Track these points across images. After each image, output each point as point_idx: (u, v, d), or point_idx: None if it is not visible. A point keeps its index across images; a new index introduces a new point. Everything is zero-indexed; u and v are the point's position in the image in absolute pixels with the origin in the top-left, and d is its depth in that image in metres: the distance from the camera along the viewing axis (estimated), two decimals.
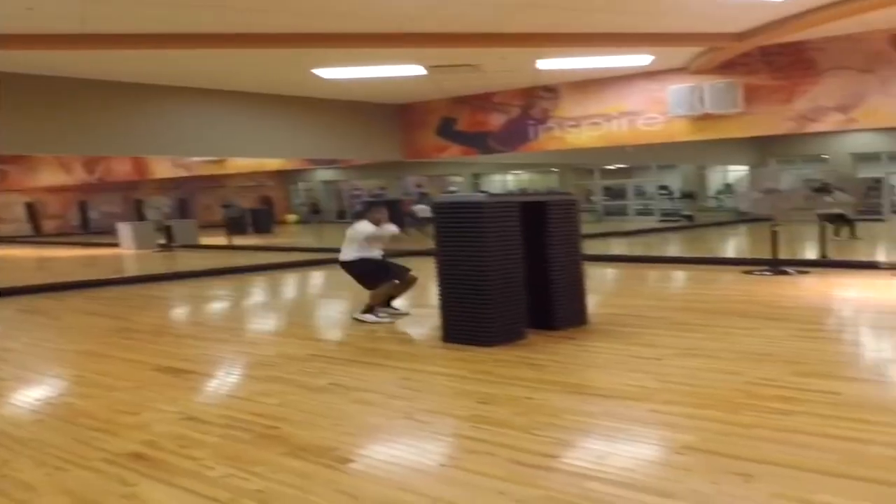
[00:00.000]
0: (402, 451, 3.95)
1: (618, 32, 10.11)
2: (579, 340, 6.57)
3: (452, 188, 34.22)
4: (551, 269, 6.98)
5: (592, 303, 7.61)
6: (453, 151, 15.61)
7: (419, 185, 35.99)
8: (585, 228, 16.67)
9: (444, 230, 6.68)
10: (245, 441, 4.10)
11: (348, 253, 7.80)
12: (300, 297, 11.05)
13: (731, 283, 10.31)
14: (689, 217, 27.05)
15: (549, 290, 7.00)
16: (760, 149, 27.23)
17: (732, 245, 17.88)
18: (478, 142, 15.12)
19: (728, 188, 30.31)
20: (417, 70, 12.00)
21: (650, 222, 26.84)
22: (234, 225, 25.54)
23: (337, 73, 12.11)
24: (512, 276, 6.53)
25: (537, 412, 4.52)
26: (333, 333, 7.89)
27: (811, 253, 12.54)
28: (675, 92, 12.18)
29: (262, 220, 28.43)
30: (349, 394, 5.08)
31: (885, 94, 10.68)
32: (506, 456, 3.75)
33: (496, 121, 14.74)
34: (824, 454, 3.63)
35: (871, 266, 10.92)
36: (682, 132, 12.65)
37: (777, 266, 10.97)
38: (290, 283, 12.37)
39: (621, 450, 3.83)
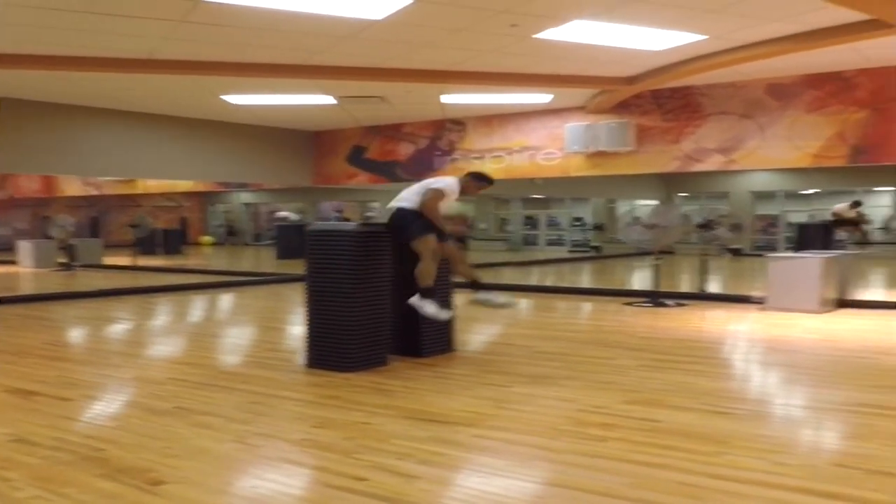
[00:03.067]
0: (218, 473, 4.03)
1: (517, 73, 10.48)
2: (439, 367, 6.74)
3: (370, 213, 34.36)
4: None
5: (467, 331, 7.80)
6: (362, 179, 15.77)
7: (339, 210, 36.02)
8: (495, 257, 16.84)
9: (314, 256, 6.80)
10: (65, 462, 4.12)
11: None
12: (183, 321, 10.96)
13: (609, 314, 10.68)
14: (597, 248, 27.76)
15: (416, 319, 7.15)
16: (667, 185, 28.18)
17: (625, 276, 18.39)
18: (386, 170, 15.32)
19: (635, 221, 31.16)
20: (327, 100, 12.18)
21: (561, 252, 27.46)
22: (144, 245, 25.11)
23: (246, 99, 12.24)
24: (377, 304, 6.68)
25: (367, 437, 4.65)
26: (201, 357, 7.89)
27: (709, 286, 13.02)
28: (571, 129, 12.59)
29: (172, 240, 28.02)
30: (190, 417, 5.12)
31: (761, 139, 11.26)
32: (317, 478, 3.89)
33: (405, 150, 14.98)
34: (617, 478, 3.84)
35: (744, 300, 11.40)
36: (577, 167, 13.05)
37: (657, 298, 11.40)
38: (182, 306, 12.26)
39: (427, 473, 3.98)
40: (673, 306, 11.21)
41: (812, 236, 17.30)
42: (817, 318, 9.80)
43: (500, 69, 10.18)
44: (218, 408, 5.42)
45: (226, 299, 13.22)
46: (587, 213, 30.84)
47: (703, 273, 12.77)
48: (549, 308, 11.90)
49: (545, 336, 8.89)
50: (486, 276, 8.47)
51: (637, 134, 12.16)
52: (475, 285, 6.83)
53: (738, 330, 9.16)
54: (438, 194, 6.52)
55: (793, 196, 27.42)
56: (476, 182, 6.91)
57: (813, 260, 10.42)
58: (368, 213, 34.38)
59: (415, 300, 6.46)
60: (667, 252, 22.60)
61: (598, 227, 29.41)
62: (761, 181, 26.23)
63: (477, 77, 10.40)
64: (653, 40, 8.61)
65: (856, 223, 19.29)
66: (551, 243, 30.93)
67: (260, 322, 10.70)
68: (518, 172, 13.69)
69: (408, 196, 6.64)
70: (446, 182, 6.70)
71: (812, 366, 7.06)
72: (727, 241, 15.09)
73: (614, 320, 10.16)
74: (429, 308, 6.45)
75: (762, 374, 6.92)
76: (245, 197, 35.93)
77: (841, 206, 19.62)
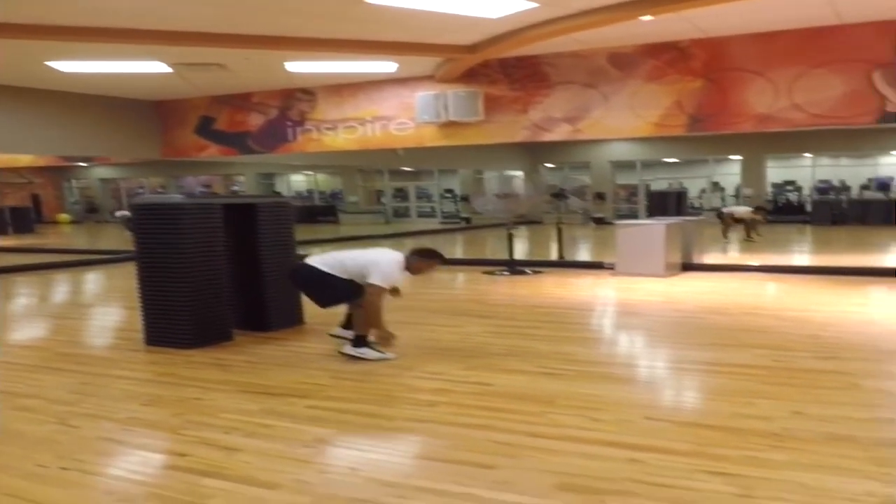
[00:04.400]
0: (30, 456, 3.84)
1: (355, 40, 10.29)
2: (284, 341, 6.66)
3: (236, 187, 33.57)
4: (262, 272, 7.01)
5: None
6: (213, 151, 15.27)
7: (206, 185, 35.03)
8: (369, 230, 16.44)
9: (143, 232, 6.54)
10: None
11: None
12: (27, 303, 10.35)
13: (467, 283, 10.82)
14: (467, 219, 28.05)
15: (261, 293, 7.03)
16: (533, 155, 28.79)
17: (490, 246, 18.67)
18: (237, 142, 14.88)
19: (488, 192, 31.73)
20: (160, 67, 11.65)
21: (432, 224, 27.61)
22: None
23: (73, 66, 11.56)
24: (213, 279, 6.50)
25: (196, 412, 4.54)
26: (40, 339, 7.53)
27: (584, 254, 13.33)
28: (421, 99, 12.55)
29: (22, 219, 26.48)
30: (13, 400, 4.93)
31: (606, 108, 11.55)
32: (136, 457, 3.77)
33: (255, 121, 14.58)
34: (439, 441, 3.91)
35: (598, 266, 11.76)
36: (430, 138, 13.05)
37: (514, 266, 11.61)
38: (29, 287, 11.57)
39: (252, 445, 3.91)
40: (530, 274, 11.46)
41: (665, 204, 17.92)
42: (662, 281, 10.24)
43: (338, 35, 9.98)
44: (44, 390, 5.18)
45: (79, 278, 12.57)
46: (456, 184, 31.08)
47: (560, 241, 13.11)
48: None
49: (397, 307, 8.86)
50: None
51: (486, 104, 12.24)
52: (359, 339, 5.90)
53: (583, 295, 9.44)
54: (382, 291, 5.77)
55: (653, 165, 28.49)
56: (426, 261, 6.02)
57: (657, 227, 10.85)
58: (234, 188, 33.58)
59: (349, 350, 5.86)
60: (523, 222, 23.24)
61: (467, 199, 29.72)
62: (621, 151, 27.15)
63: (314, 44, 10.14)
64: (488, 7, 8.64)
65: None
66: (422, 215, 31.08)
67: (113, 302, 10.26)
68: (372, 143, 13.57)
69: (335, 264, 5.86)
70: (386, 272, 5.74)
71: (648, 326, 7.36)
72: (590, 210, 15.53)
73: (469, 289, 10.31)
74: (370, 355, 5.82)
75: (599, 337, 7.16)
76: (102, 172, 34.31)
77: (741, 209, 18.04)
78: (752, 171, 26.10)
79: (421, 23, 9.31)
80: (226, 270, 6.67)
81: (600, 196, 26.83)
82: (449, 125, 12.60)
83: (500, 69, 12.12)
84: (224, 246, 6.65)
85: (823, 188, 26.30)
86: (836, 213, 23.52)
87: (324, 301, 6.04)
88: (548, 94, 11.92)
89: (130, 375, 5.64)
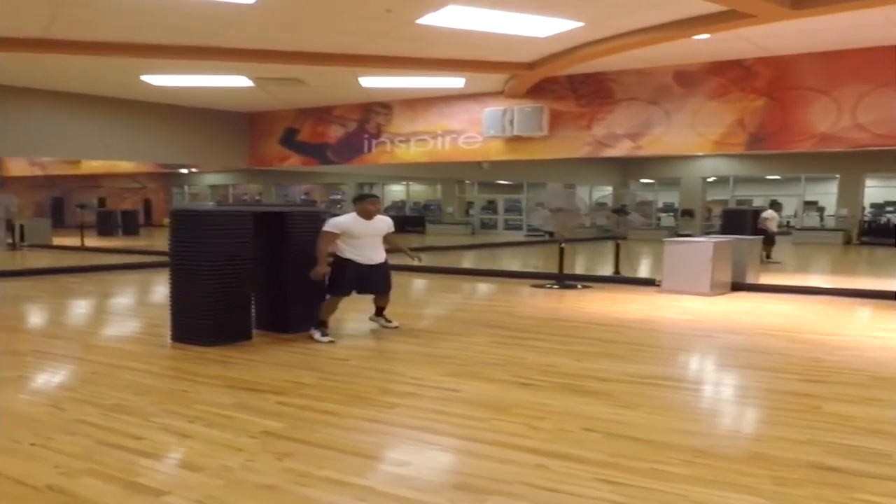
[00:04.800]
0: (11, 431, 4.26)
1: (419, 57, 10.70)
2: (297, 343, 6.97)
3: (337, 195, 34.61)
4: (287, 277, 7.39)
5: (355, 310, 8.05)
6: (294, 161, 15.96)
7: (307, 193, 36.27)
8: (450, 241, 16.89)
9: (176, 235, 7.03)
10: None
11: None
12: (94, 299, 11.10)
13: (508, 295, 10.99)
14: (551, 233, 28.03)
15: (284, 296, 7.42)
16: (625, 170, 28.53)
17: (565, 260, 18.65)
18: (317, 153, 15.51)
19: (598, 206, 31.50)
20: (244, 81, 12.37)
21: (517, 236, 27.75)
22: (103, 226, 25.58)
23: (164, 79, 12.41)
24: (237, 282, 6.91)
25: (175, 402, 4.92)
26: (80, 332, 8.18)
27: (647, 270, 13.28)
28: (488, 114, 12.81)
29: (130, 222, 28.29)
30: (27, 384, 5.49)
31: (667, 125, 11.50)
32: (98, 436, 4.15)
33: (335, 133, 15.18)
34: (369, 438, 4.18)
35: (650, 283, 11.67)
36: (496, 152, 13.29)
37: (563, 280, 11.69)
38: (103, 286, 12.41)
39: (205, 433, 4.25)
40: (579, 288, 11.51)
41: (741, 222, 17.45)
42: (705, 300, 10.12)
43: (399, 53, 10.38)
44: (56, 377, 5.68)
45: (152, 279, 13.42)
46: (544, 197, 31.08)
47: (616, 256, 13.09)
48: (456, 289, 12.19)
49: (427, 315, 9.20)
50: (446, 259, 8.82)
51: (551, 119, 12.39)
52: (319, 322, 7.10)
53: (614, 310, 9.43)
54: (328, 236, 7.02)
55: (749, 181, 27.76)
56: (361, 204, 7.23)
57: (705, 244, 10.72)
58: (335, 196, 34.63)
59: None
60: (608, 237, 22.95)
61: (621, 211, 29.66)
62: (713, 167, 26.60)
63: (378, 61, 10.61)
64: (534, 27, 8.83)
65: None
66: (511, 227, 31.22)
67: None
68: (441, 156, 13.91)
69: None
70: (332, 220, 7.19)
71: (652, 343, 7.34)
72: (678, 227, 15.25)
73: (506, 301, 10.46)
74: (316, 336, 7.04)
75: (595, 351, 6.98)
76: (212, 178, 36.03)
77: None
78: (849, 190, 25.08)
79: (475, 41, 9.59)
80: (253, 274, 7.07)
81: (688, 213, 26.32)
82: (514, 139, 12.82)
83: (567, 85, 12.26)
84: (253, 251, 7.07)
85: None
86: None
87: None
88: (612, 110, 11.97)
89: (141, 368, 6.03)
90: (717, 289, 10.59)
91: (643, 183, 29.75)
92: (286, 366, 6.10)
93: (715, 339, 7.56)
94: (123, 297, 11.33)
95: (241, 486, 3.47)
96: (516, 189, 31.58)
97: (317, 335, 6.98)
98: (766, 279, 11.90)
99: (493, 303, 10.53)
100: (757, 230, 15.92)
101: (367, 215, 7.12)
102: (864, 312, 9.27)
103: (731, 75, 10.96)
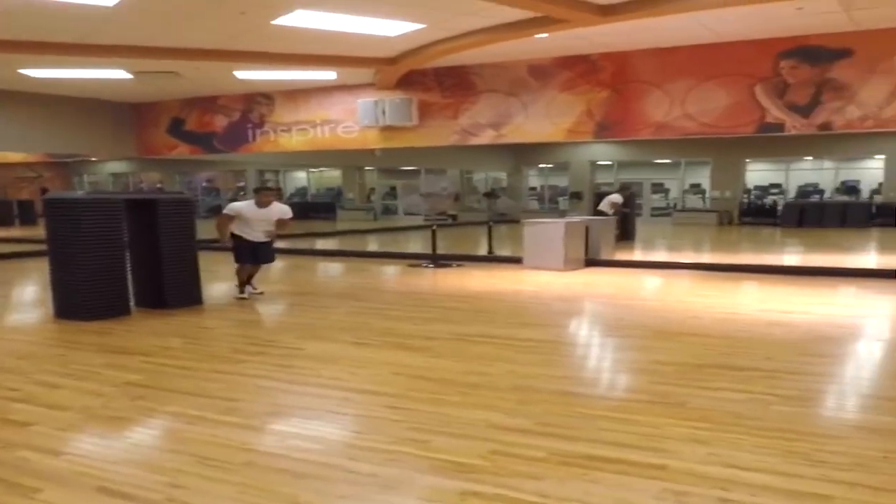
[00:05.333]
0: None
1: (284, 53, 11.46)
2: (173, 316, 7.81)
3: (241, 183, 34.89)
4: (162, 257, 8.15)
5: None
6: (182, 150, 16.51)
7: (209, 180, 36.41)
8: (354, 226, 17.38)
9: (51, 221, 7.70)
10: None
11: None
12: None
13: (385, 274, 11.94)
14: (454, 217, 29.07)
15: (160, 276, 8.18)
16: (517, 156, 29.76)
17: (456, 241, 19.62)
18: (204, 142, 16.10)
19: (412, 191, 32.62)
20: (123, 74, 12.88)
21: (418, 220, 28.62)
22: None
23: (45, 73, 12.82)
24: (112, 263, 7.64)
25: (51, 363, 5.75)
26: None
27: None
28: (362, 105, 13.66)
29: (28, 211, 28.17)
30: None
31: (525, 115, 12.58)
32: None
33: (220, 123, 15.78)
34: (203, 383, 5.10)
35: (518, 260, 12.65)
36: (372, 140, 14.17)
37: (438, 260, 12.66)
38: (2, 273, 12.77)
39: (73, 385, 5.08)
40: (453, 267, 12.49)
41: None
42: (557, 274, 11.22)
43: (265, 49, 11.16)
44: None
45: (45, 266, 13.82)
46: (445, 183, 32.05)
47: (489, 237, 14.15)
48: (336, 270, 13.08)
49: (301, 291, 10.08)
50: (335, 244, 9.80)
51: (420, 109, 13.32)
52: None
53: (474, 284, 10.46)
54: (223, 217, 8.82)
55: (635, 165, 29.30)
56: (257, 195, 8.85)
57: (557, 225, 11.83)
58: (240, 184, 34.90)
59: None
60: (504, 221, 24.24)
61: (457, 197, 30.68)
62: (600, 152, 28.04)
63: (245, 56, 11.37)
64: (383, 28, 9.73)
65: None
66: (410, 213, 32.10)
67: None
68: (322, 144, 14.71)
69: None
70: (231, 205, 8.95)
71: (489, 309, 8.36)
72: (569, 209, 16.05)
73: (379, 279, 11.43)
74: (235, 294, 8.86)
75: (434, 316, 7.94)
76: (114, 167, 35.79)
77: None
78: (727, 174, 26.87)
79: (335, 38, 10.42)
80: (127, 256, 7.83)
81: (577, 195, 27.75)
82: (388, 129, 13.71)
83: (433, 78, 13.20)
84: (126, 234, 7.82)
85: (807, 192, 26.89)
86: (803, 215, 24.13)
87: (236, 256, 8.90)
88: (475, 101, 12.98)
89: (23, 339, 6.81)
90: (570, 264, 11.70)
91: (541, 168, 31.04)
92: (157, 334, 6.90)
93: (545, 305, 8.66)
94: (15, 283, 11.79)
95: (97, 418, 4.34)
96: (416, 175, 32.46)
97: (236, 293, 8.86)
98: (621, 256, 13.09)
99: (366, 280, 11.44)
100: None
101: (261, 204, 8.66)
102: (692, 282, 10.47)
103: (578, 69, 12.08)
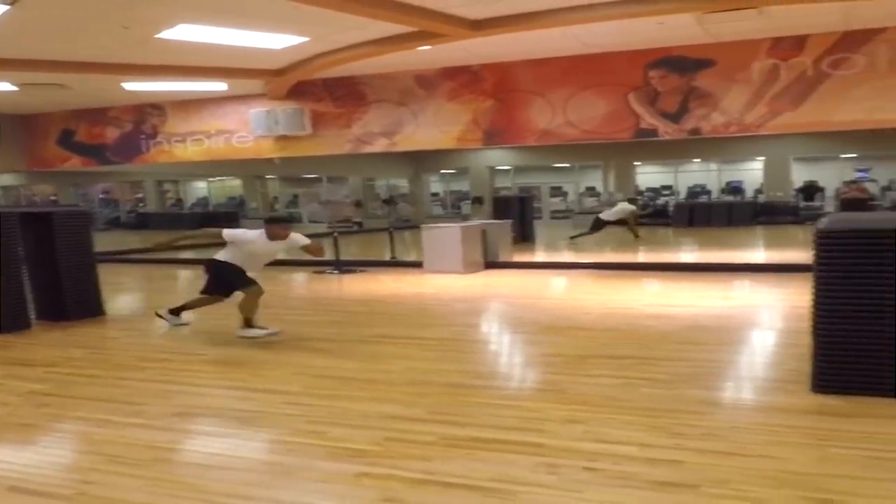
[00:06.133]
0: None
1: (179, 65, 11.51)
2: (75, 328, 7.88)
3: (139, 195, 34.18)
4: (59, 271, 8.16)
5: (138, 299, 8.93)
6: (75, 162, 16.20)
7: (106, 192, 35.52)
8: None
9: None
10: None
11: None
12: None
13: (290, 281, 12.15)
14: (359, 223, 29.25)
15: (59, 289, 8.20)
16: (417, 163, 30.20)
17: (359, 248, 19.86)
18: (96, 153, 15.85)
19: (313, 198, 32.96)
20: (7, 86, 12.63)
21: (322, 228, 28.68)
22: None
23: None
24: (9, 276, 7.63)
25: None
26: None
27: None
28: (255, 115, 13.77)
29: None
30: None
31: (416, 124, 12.96)
32: None
33: (111, 134, 15.57)
34: (107, 390, 5.22)
35: (420, 265, 12.90)
36: (267, 150, 14.30)
37: (342, 266, 12.91)
38: None
39: None
40: (356, 272, 12.74)
41: (508, 208, 18.86)
42: (457, 277, 11.63)
43: (152, 62, 11.16)
44: None
45: None
46: (349, 191, 32.22)
47: (391, 243, 14.46)
48: None
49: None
50: None
51: (313, 119, 13.54)
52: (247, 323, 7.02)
53: (374, 289, 10.79)
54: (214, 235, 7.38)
55: (535, 170, 30.14)
56: (273, 227, 7.10)
57: (454, 229, 12.26)
58: (138, 195, 34.17)
59: (240, 332, 6.94)
60: (409, 227, 24.63)
61: (358, 204, 30.87)
62: (498, 157, 28.78)
63: (132, 69, 11.35)
64: (267, 41, 9.95)
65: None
66: (314, 220, 32.08)
67: None
68: (217, 154, 14.72)
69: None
70: (235, 233, 7.29)
71: (384, 311, 8.73)
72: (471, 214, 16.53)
73: (286, 286, 11.65)
74: (254, 332, 6.93)
75: (337, 320, 8.27)
76: (6, 179, 34.36)
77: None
78: (622, 176, 28.05)
79: (222, 51, 10.51)
80: (24, 269, 7.82)
81: (478, 200, 28.40)
82: (282, 138, 13.87)
83: (323, 88, 13.44)
84: (23, 248, 7.82)
85: (696, 192, 28.23)
86: (693, 215, 25.20)
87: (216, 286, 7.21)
88: (367, 110, 13.29)
89: None
90: (470, 267, 12.12)
91: (443, 174, 31.52)
92: (59, 345, 7.00)
93: (445, 306, 9.07)
94: None
95: (5, 426, 4.52)
96: (319, 183, 32.46)
97: (248, 332, 6.95)
98: (520, 257, 13.62)
99: (271, 287, 11.45)
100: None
101: (274, 237, 7.04)
102: (587, 281, 11.03)
103: (462, 79, 12.56)
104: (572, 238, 17.75)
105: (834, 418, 4.27)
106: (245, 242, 7.02)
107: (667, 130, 11.61)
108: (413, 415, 4.52)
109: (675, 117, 11.54)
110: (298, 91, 13.42)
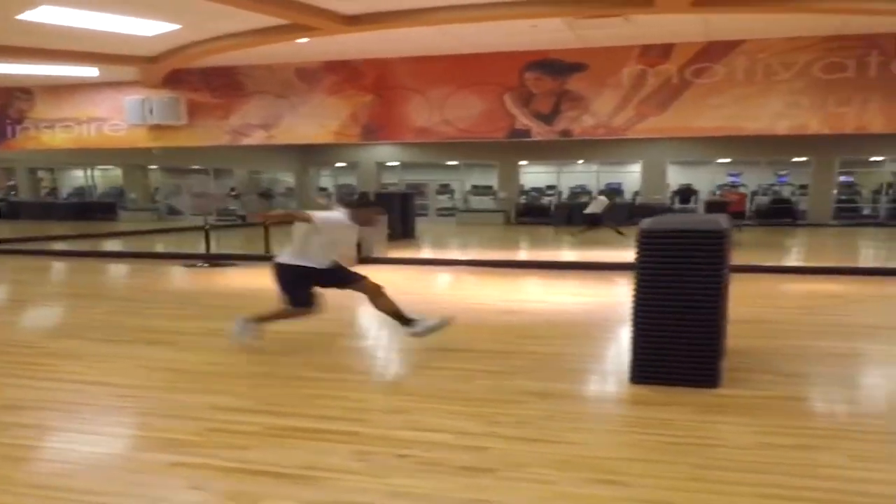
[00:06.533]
0: None
1: (45, 49, 11.12)
2: None
3: (12, 182, 32.72)
4: None
5: None
6: None
7: None
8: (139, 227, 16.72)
9: None
10: None
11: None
12: None
13: (158, 274, 11.85)
14: (243, 217, 28.77)
15: None
16: (305, 157, 29.96)
17: (242, 241, 19.56)
18: None
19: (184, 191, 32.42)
20: None
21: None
22: None
23: None
24: None
25: None
26: None
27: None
28: (129, 102, 13.42)
29: None
30: None
31: (295, 117, 12.89)
32: None
33: None
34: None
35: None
36: (142, 139, 13.95)
37: (213, 260, 12.71)
38: None
39: None
40: (228, 266, 12.56)
41: (390, 204, 18.90)
42: None
43: (14, 44, 10.77)
44: None
45: None
46: (235, 183, 31.64)
47: (266, 237, 14.28)
48: (106, 271, 12.81)
49: (66, 293, 9.96)
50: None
51: (190, 109, 13.29)
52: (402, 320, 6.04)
53: (237, 283, 10.70)
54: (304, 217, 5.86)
55: (415, 166, 30.31)
56: (366, 212, 6.17)
57: None
58: (10, 182, 32.69)
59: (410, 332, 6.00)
60: (236, 217, 24.24)
61: (237, 196, 30.36)
62: (386, 153, 28.82)
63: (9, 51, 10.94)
64: (137, 27, 9.73)
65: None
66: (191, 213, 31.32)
67: None
68: (88, 143, 14.28)
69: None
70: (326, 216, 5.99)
71: (236, 306, 8.50)
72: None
73: (151, 279, 11.37)
74: (427, 324, 6.01)
75: (189, 314, 8.17)
76: None
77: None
78: (507, 175, 28.54)
79: (90, 35, 10.24)
80: None
81: (365, 195, 28.35)
82: (156, 128, 13.57)
83: (201, 77, 13.21)
84: None
85: (577, 193, 28.90)
86: (572, 214, 25.83)
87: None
88: (246, 101, 13.14)
89: None
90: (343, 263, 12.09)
91: (336, 168, 31.31)
92: None
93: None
94: None
95: None
96: (222, 174, 31.73)
97: (418, 328, 6.00)
98: (396, 254, 13.69)
99: (136, 280, 11.37)
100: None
101: (364, 223, 6.10)
102: (455, 277, 11.22)
103: (343, 74, 12.57)
104: (575, 235, 18.51)
105: (642, 407, 4.53)
106: (333, 228, 5.85)
107: (539, 131, 11.92)
108: (242, 406, 4.55)
109: (547, 119, 11.86)
110: (175, 79, 13.15)
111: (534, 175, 30.02)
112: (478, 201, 29.93)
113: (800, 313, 8.10)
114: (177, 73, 12.96)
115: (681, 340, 4.78)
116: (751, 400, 4.63)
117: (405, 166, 29.84)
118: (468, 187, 30.45)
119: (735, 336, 5.96)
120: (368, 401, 4.68)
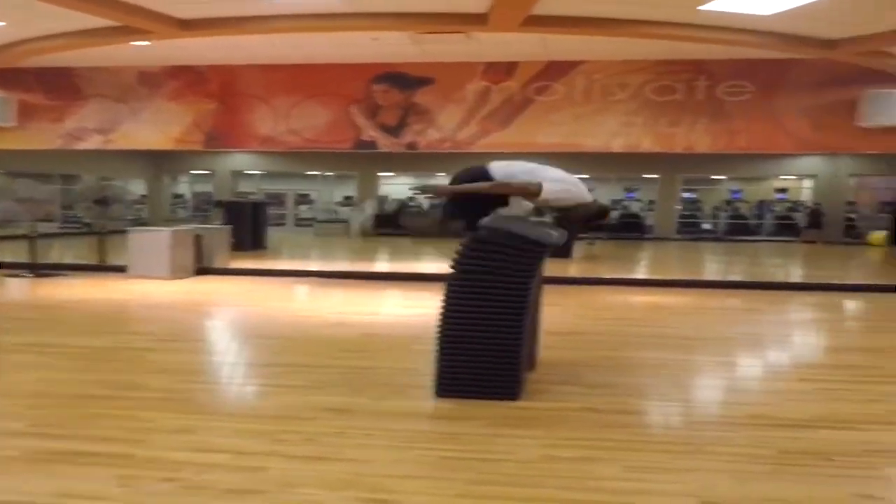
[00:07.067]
0: None
1: None
2: None
3: None
4: None
5: None
6: None
7: None
8: None
9: None
10: None
11: None
12: None
13: None
14: (88, 224, 27.42)
15: None
16: (157, 164, 28.93)
17: (78, 250, 18.65)
18: None
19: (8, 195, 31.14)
20: None
21: (51, 228, 26.59)
22: None
23: None
24: None
25: None
26: None
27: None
28: None
29: None
30: None
31: (135, 122, 12.41)
32: None
33: None
34: None
35: (123, 269, 12.42)
36: None
37: (38, 269, 11.99)
38: None
39: None
40: (55, 276, 11.87)
41: (240, 214, 18.64)
42: (161, 283, 11.18)
43: None
44: None
45: None
46: (81, 189, 30.21)
47: (100, 246, 13.64)
48: None
49: None
50: None
51: (21, 110, 12.58)
52: None
53: (61, 294, 10.12)
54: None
55: (275, 175, 29.76)
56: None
57: (164, 234, 11.81)
58: None
59: None
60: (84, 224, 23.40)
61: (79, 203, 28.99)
62: (242, 162, 28.18)
63: None
64: None
65: None
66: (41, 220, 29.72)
67: None
68: None
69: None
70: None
71: (61, 317, 8.20)
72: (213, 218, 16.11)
73: None
74: None
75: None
76: None
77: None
78: (366, 187, 28.46)
79: None
80: None
81: (221, 204, 27.63)
82: None
83: (35, 78, 12.55)
84: None
85: (437, 205, 29.01)
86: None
87: None
88: (83, 105, 12.56)
89: None
90: (178, 273, 11.71)
91: (193, 175, 30.30)
92: None
93: (128, 312, 8.69)
94: None
95: None
96: (46, 181, 30.14)
97: None
98: (240, 264, 13.31)
99: None
100: None
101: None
102: (295, 289, 11.02)
103: (186, 79, 12.22)
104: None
105: (437, 421, 4.51)
106: None
107: (386, 143, 11.92)
108: (11, 429, 4.24)
109: (394, 131, 11.87)
110: (7, 79, 12.44)
111: (396, 186, 30.05)
112: (346, 212, 29.71)
113: (620, 325, 8.35)
114: (7, 72, 12.26)
115: (484, 352, 4.79)
116: (546, 412, 4.68)
117: (266, 175, 29.28)
118: (338, 198, 30.18)
119: (550, 347, 6.09)
120: (156, 420, 4.45)
